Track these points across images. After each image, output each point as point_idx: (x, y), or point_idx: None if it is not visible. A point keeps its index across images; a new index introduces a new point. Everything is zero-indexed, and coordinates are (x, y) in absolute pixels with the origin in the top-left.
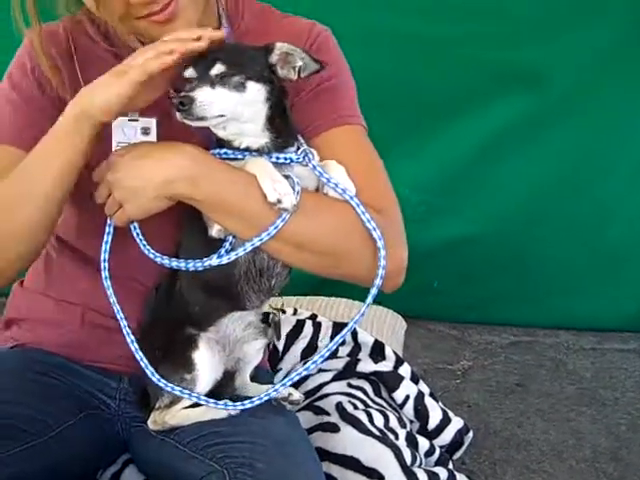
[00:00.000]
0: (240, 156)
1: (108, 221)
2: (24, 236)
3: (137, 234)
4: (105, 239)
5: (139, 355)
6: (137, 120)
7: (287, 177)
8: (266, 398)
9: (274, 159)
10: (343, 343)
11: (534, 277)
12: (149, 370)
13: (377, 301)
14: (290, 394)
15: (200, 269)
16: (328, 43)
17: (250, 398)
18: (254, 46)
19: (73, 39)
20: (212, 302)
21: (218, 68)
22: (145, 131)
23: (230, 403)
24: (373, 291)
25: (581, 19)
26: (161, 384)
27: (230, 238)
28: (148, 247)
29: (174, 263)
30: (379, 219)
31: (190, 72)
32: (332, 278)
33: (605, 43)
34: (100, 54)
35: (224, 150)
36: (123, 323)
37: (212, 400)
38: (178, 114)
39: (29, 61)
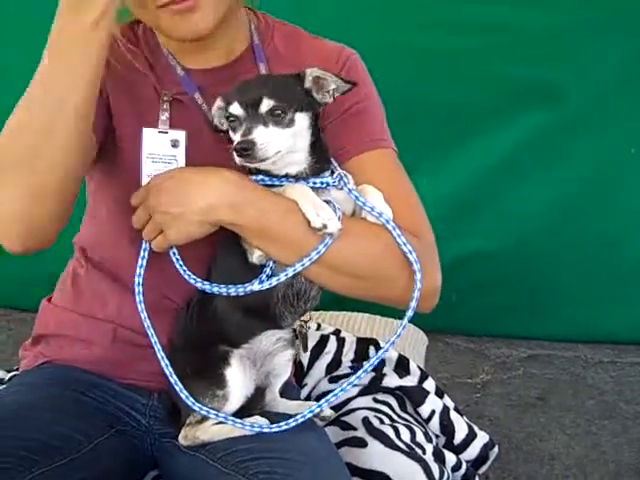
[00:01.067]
0: (277, 182)
1: (143, 245)
2: (63, 164)
3: (177, 260)
4: (140, 263)
5: (169, 371)
6: (166, 132)
7: (327, 202)
8: (302, 420)
9: (311, 184)
10: (381, 362)
11: (551, 290)
12: (178, 387)
13: (397, 316)
14: (321, 410)
15: (242, 294)
16: (357, 66)
17: (279, 414)
18: (286, 75)
19: None
20: (249, 322)
21: (267, 104)
22: (174, 143)
23: (264, 424)
24: (409, 313)
25: (600, 35)
26: (189, 402)
27: (270, 263)
28: (188, 272)
29: (215, 289)
30: (416, 243)
31: (236, 109)
32: (366, 300)
33: (623, 59)
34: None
35: (261, 177)
36: (154, 339)
37: (248, 423)
38: (239, 159)
39: None
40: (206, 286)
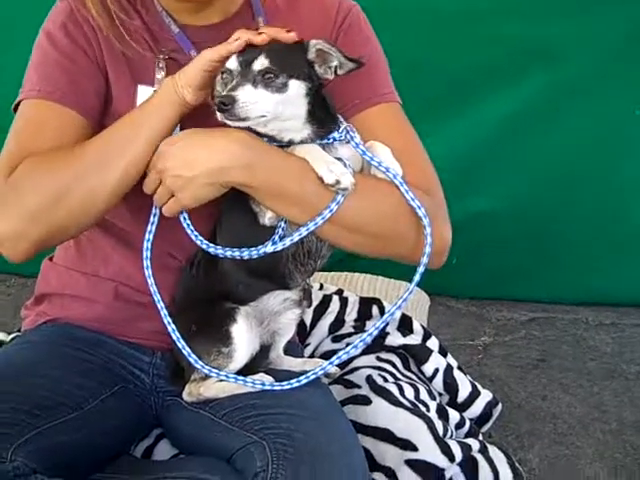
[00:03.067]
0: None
1: (153, 210)
2: (105, 197)
3: (187, 225)
4: (149, 228)
5: (171, 327)
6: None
7: (337, 159)
8: (313, 376)
9: (317, 141)
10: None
11: (552, 253)
12: (181, 344)
13: (400, 277)
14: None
15: (255, 257)
16: (359, 19)
17: (283, 371)
18: (292, 43)
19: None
20: (256, 282)
21: (261, 62)
22: None
23: (269, 381)
24: (421, 269)
25: None
26: (192, 360)
27: (282, 224)
28: (200, 238)
29: (228, 253)
30: (426, 199)
31: (232, 63)
32: (376, 257)
33: (628, 20)
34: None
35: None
36: (160, 305)
37: (258, 381)
38: (219, 114)
39: (70, 22)
40: (219, 251)
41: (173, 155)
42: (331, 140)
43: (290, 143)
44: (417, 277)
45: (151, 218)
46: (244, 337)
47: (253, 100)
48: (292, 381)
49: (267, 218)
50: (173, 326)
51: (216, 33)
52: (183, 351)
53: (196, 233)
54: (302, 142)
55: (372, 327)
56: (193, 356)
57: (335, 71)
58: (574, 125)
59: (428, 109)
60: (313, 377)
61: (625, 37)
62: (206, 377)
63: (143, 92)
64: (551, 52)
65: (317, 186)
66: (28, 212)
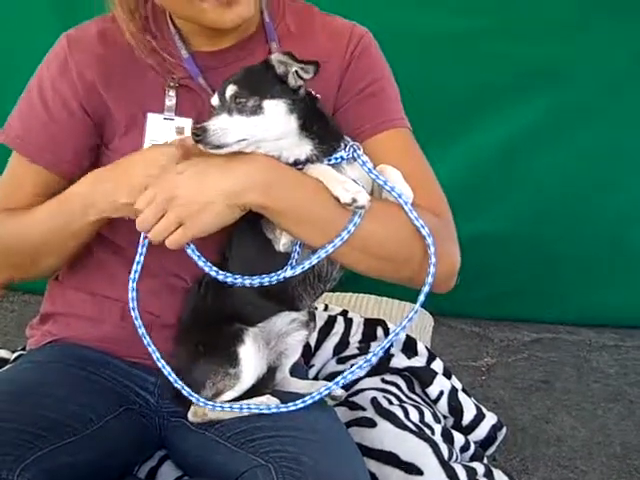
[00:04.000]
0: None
1: (139, 249)
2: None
3: (198, 256)
4: (135, 268)
5: (166, 370)
6: (172, 119)
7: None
8: (318, 397)
9: (325, 162)
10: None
11: (555, 274)
12: (179, 385)
13: (405, 298)
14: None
15: (275, 283)
16: (371, 46)
17: (289, 393)
18: (259, 64)
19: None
20: (265, 303)
21: (231, 89)
22: (180, 131)
23: (274, 403)
24: (426, 289)
25: (608, 16)
26: (193, 399)
27: (297, 248)
28: (215, 269)
29: (247, 281)
30: (434, 220)
31: (214, 99)
32: (388, 281)
33: (632, 40)
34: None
35: None
36: (152, 349)
37: (263, 405)
38: (199, 145)
39: (60, 73)
40: (237, 280)
41: (183, 183)
42: (339, 160)
43: (296, 163)
44: (422, 297)
45: (137, 257)
46: (252, 358)
47: (225, 127)
48: (297, 402)
49: (282, 244)
50: (163, 362)
51: (228, 57)
52: (175, 385)
53: (209, 264)
54: (308, 161)
55: (377, 347)
56: (187, 389)
57: (300, 76)
58: (578, 146)
59: (432, 130)
60: (318, 397)
61: (630, 57)
62: (212, 398)
63: (153, 120)
64: (555, 73)
65: (334, 206)
66: None
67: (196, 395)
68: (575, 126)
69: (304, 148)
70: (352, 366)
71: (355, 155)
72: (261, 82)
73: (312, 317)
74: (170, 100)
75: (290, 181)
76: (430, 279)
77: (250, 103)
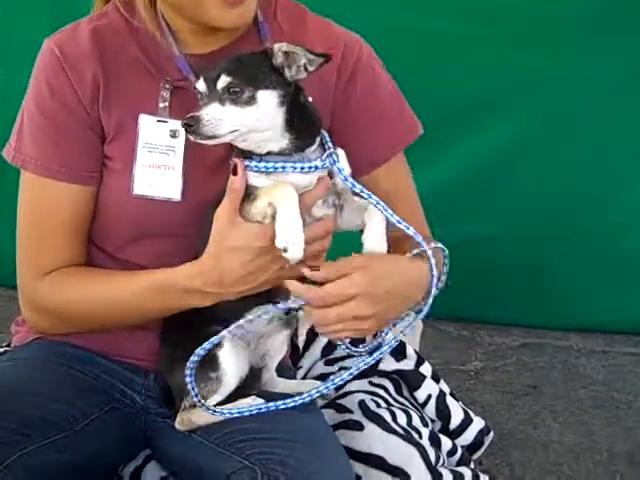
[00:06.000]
0: (280, 169)
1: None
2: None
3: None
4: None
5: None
6: (166, 122)
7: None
8: (309, 399)
9: (299, 170)
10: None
11: (544, 279)
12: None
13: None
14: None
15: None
16: (373, 63)
17: (278, 393)
18: (254, 52)
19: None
20: (238, 302)
21: (224, 80)
22: (173, 134)
23: (260, 403)
24: (434, 291)
25: (605, 26)
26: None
27: None
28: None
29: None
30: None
31: (200, 85)
32: None
33: (627, 51)
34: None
35: (254, 163)
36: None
37: (263, 404)
38: (189, 135)
39: (55, 75)
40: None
41: (382, 300)
42: (312, 169)
43: (268, 154)
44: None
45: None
46: (231, 361)
47: (219, 117)
48: (287, 401)
49: None
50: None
51: (219, 58)
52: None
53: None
54: (280, 153)
55: (378, 353)
56: (211, 407)
57: (306, 68)
58: (570, 155)
59: (426, 136)
60: (309, 399)
61: (622, 68)
62: (195, 404)
63: (146, 122)
64: (547, 82)
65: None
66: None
67: (218, 409)
68: (567, 135)
69: (282, 141)
70: (341, 369)
71: (330, 162)
72: (257, 71)
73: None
74: (164, 102)
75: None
76: (435, 280)
77: (245, 94)
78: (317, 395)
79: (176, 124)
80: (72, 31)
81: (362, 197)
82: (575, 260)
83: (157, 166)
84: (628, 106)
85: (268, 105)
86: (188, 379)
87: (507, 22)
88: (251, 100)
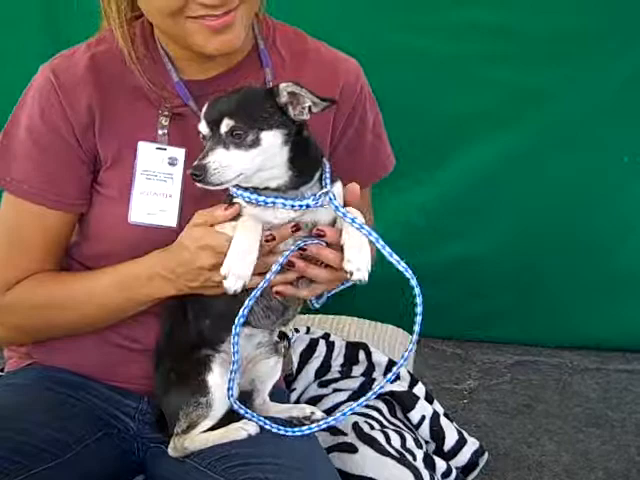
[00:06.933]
0: (271, 204)
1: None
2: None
3: None
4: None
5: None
6: (165, 149)
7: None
8: (325, 426)
9: (289, 207)
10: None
11: (537, 297)
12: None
13: (387, 321)
14: (312, 413)
15: None
16: (366, 95)
17: (270, 418)
18: (258, 89)
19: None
20: (219, 324)
21: (226, 124)
22: (172, 161)
23: (251, 428)
24: (416, 328)
25: (598, 43)
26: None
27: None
28: None
29: None
30: None
31: (202, 127)
32: None
33: (620, 67)
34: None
35: (255, 196)
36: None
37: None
38: (197, 184)
39: (48, 102)
40: None
41: None
42: (304, 207)
43: (266, 189)
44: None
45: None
46: (221, 385)
47: (225, 164)
48: (304, 428)
49: None
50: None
51: (220, 84)
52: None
53: None
54: (277, 189)
55: (382, 380)
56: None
57: (310, 110)
58: (562, 171)
59: (419, 153)
60: (324, 426)
61: (616, 84)
62: (188, 429)
63: (144, 150)
64: (542, 98)
65: None
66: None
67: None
68: (560, 152)
69: (283, 178)
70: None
71: (322, 202)
72: (259, 111)
73: (281, 340)
74: (162, 129)
75: None
76: (419, 318)
77: (249, 137)
78: (324, 426)
79: (175, 151)
80: (69, 57)
81: (361, 232)
82: (568, 277)
83: (155, 194)
84: (618, 122)
85: (272, 145)
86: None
87: (496, 41)
88: (255, 142)
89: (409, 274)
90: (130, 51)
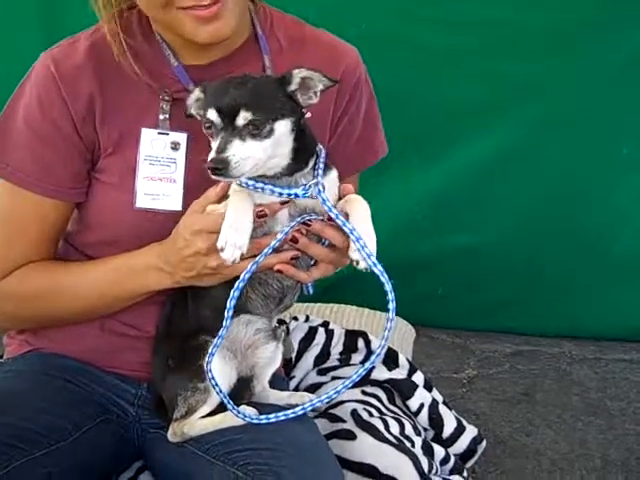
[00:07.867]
0: (260, 190)
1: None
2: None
3: None
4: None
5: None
6: (167, 134)
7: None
8: (302, 412)
9: (277, 195)
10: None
11: (536, 286)
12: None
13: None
14: (311, 400)
15: None
16: (365, 80)
17: (268, 405)
18: (269, 77)
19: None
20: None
21: (244, 117)
22: (174, 146)
23: (252, 414)
24: (383, 342)
25: (597, 34)
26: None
27: None
28: None
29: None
30: None
31: (212, 115)
32: None
33: (619, 58)
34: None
35: (245, 180)
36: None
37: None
38: (214, 177)
39: (46, 93)
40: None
41: None
42: (292, 196)
43: (261, 176)
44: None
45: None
46: (219, 371)
47: (244, 156)
48: (279, 414)
49: None
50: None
51: (218, 70)
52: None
53: None
54: (273, 177)
55: (368, 362)
56: (241, 412)
57: (318, 94)
58: (560, 162)
59: (415, 146)
60: (301, 412)
61: (613, 75)
62: (187, 415)
63: (147, 135)
64: (538, 90)
65: None
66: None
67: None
68: (558, 143)
69: (281, 167)
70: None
71: (311, 192)
72: (274, 101)
73: (279, 327)
74: (164, 114)
75: None
76: (390, 324)
77: (266, 128)
78: (309, 409)
79: (177, 136)
80: (69, 46)
81: (344, 229)
82: (567, 268)
83: (159, 178)
84: (617, 114)
85: (283, 134)
86: (209, 375)
87: (495, 34)
88: (270, 133)
89: (388, 287)
90: (120, 45)
